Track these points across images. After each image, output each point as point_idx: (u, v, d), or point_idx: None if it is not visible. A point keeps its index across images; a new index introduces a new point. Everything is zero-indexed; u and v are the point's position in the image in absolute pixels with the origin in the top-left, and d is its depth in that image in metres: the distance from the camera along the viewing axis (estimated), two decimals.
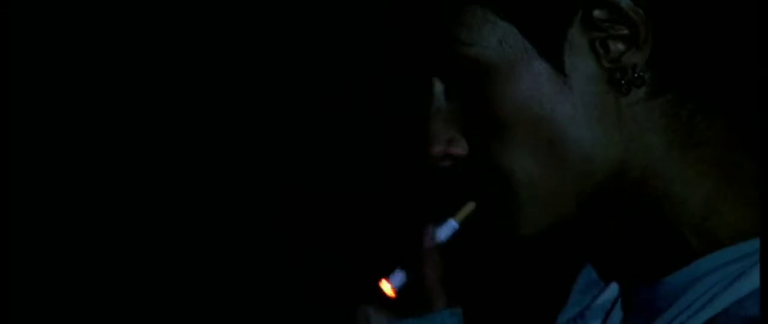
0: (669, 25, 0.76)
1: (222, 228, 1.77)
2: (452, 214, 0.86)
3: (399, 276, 0.90)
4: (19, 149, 1.74)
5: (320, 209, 1.77)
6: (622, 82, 0.76)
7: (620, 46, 0.76)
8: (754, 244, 0.75)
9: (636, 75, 0.76)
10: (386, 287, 0.88)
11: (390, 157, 1.75)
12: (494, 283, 1.64)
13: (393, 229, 1.74)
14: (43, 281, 1.74)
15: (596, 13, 0.76)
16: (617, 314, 0.86)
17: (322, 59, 1.80)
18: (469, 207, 0.85)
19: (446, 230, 0.87)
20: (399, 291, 0.89)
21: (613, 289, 0.88)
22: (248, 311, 1.76)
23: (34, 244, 1.74)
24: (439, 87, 0.82)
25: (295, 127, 1.79)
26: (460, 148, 0.81)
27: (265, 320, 1.76)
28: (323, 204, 1.77)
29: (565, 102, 0.77)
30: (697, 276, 0.76)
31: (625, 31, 0.76)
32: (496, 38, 0.77)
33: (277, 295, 1.76)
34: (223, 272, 1.76)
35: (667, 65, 0.76)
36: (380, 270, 0.92)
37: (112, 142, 1.77)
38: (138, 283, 1.75)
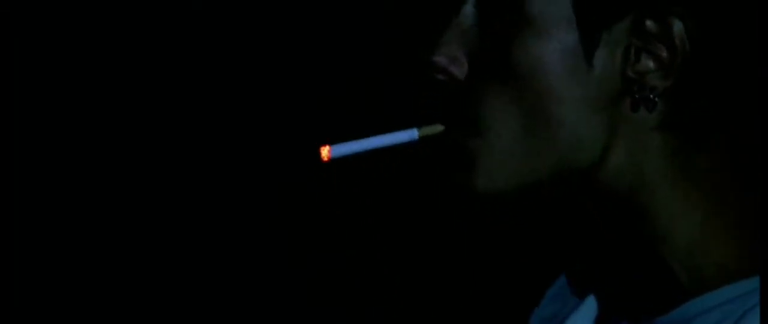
0: (703, 69, 0.75)
1: (222, 228, 1.77)
2: (419, 126, 0.83)
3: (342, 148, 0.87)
4: (19, 149, 1.74)
5: (320, 209, 1.77)
6: (636, 96, 0.75)
7: (650, 64, 0.75)
8: (741, 287, 0.75)
9: (651, 97, 0.75)
10: (325, 151, 0.86)
11: (390, 157, 1.75)
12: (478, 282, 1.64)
13: (392, 230, 1.74)
14: (43, 281, 1.74)
15: (648, 23, 0.75)
16: None
17: (322, 59, 1.80)
18: (437, 128, 0.83)
19: (406, 135, 0.84)
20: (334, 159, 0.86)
21: (587, 311, 0.86)
22: (248, 311, 1.76)
23: (34, 244, 1.74)
24: (470, 5, 0.80)
25: (295, 127, 1.79)
26: (460, 71, 0.79)
27: (264, 320, 1.76)
28: (323, 204, 1.77)
29: (578, 87, 0.76)
30: (687, 317, 0.76)
31: (663, 53, 0.75)
32: None
33: (276, 295, 1.76)
34: (223, 272, 1.76)
35: (685, 103, 0.75)
36: (380, 271, 0.92)
37: (112, 142, 1.77)
38: (138, 283, 1.75)
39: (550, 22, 0.75)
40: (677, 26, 0.74)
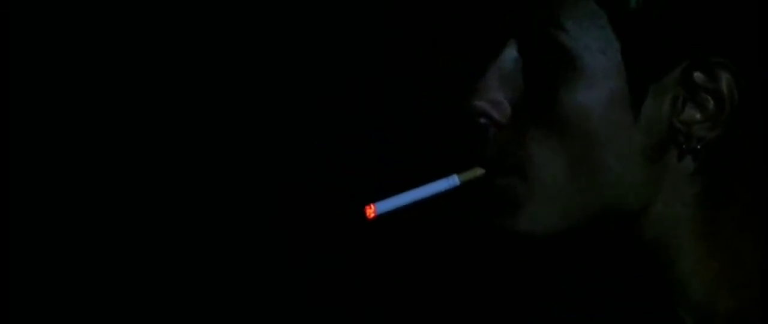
0: (747, 120, 0.76)
1: (222, 228, 1.77)
2: (459, 171, 0.84)
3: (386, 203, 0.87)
4: (19, 149, 1.74)
5: (320, 210, 1.77)
6: (683, 146, 0.76)
7: (697, 115, 0.75)
8: None
9: (697, 147, 0.75)
10: (370, 211, 0.86)
11: (388, 158, 1.75)
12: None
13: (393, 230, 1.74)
14: (43, 281, 1.74)
15: (697, 75, 0.75)
16: None
17: (323, 59, 1.80)
18: (477, 172, 0.83)
19: (447, 183, 0.85)
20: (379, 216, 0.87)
21: None
22: (247, 311, 1.76)
23: (34, 244, 1.74)
24: (511, 50, 0.80)
25: (295, 128, 1.79)
26: (502, 115, 0.80)
27: (264, 320, 1.76)
28: (323, 204, 1.77)
29: (625, 136, 0.77)
30: None
31: (710, 105, 0.75)
32: (598, 44, 0.76)
33: (276, 295, 1.76)
34: (223, 272, 1.76)
35: (722, 153, 0.76)
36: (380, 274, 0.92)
37: (112, 142, 1.77)
38: (138, 283, 1.75)
39: (600, 72, 0.76)
40: (725, 78, 0.75)
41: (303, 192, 1.78)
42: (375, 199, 0.85)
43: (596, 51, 0.76)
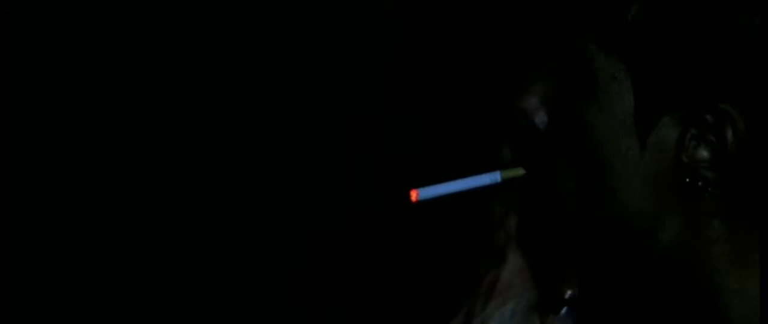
0: (754, 161, 0.76)
1: (222, 228, 1.77)
2: (502, 167, 0.86)
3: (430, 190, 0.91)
4: (19, 149, 1.74)
5: (320, 210, 1.77)
6: (687, 181, 0.77)
7: (705, 154, 0.77)
8: None
9: (700, 184, 0.76)
10: (414, 194, 0.89)
11: (389, 158, 1.75)
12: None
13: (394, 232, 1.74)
14: (43, 281, 1.74)
15: (706, 114, 0.76)
16: None
17: (323, 59, 1.80)
18: (519, 171, 0.85)
19: (489, 178, 0.87)
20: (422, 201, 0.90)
21: None
22: (247, 311, 1.76)
23: (34, 244, 1.74)
24: (552, 64, 0.82)
25: (295, 128, 1.79)
26: (541, 122, 0.82)
27: (263, 320, 1.76)
28: (323, 204, 1.77)
29: (631, 163, 0.78)
30: None
31: (717, 145, 0.76)
32: (610, 69, 0.78)
33: (276, 295, 1.76)
34: (223, 273, 1.76)
35: (737, 192, 0.77)
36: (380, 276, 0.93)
37: (112, 142, 1.77)
38: (137, 283, 1.75)
39: (614, 99, 0.77)
40: (732, 120, 0.75)
41: (302, 192, 1.78)
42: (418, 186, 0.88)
43: (609, 76, 0.78)
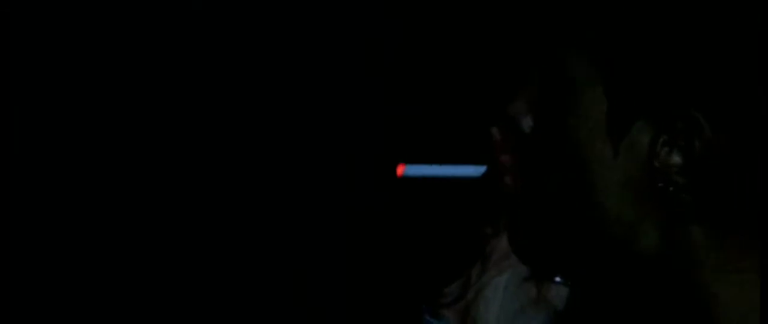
0: (726, 167, 0.77)
1: (222, 228, 1.77)
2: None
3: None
4: (19, 149, 1.74)
5: (320, 209, 1.77)
6: (659, 186, 0.77)
7: (677, 159, 0.77)
8: None
9: (671, 189, 0.77)
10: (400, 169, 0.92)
11: (387, 158, 1.75)
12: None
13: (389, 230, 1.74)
14: (43, 281, 1.74)
15: (677, 121, 0.77)
16: None
17: (323, 59, 1.80)
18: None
19: (475, 170, 0.89)
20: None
21: None
22: (246, 311, 1.76)
23: (34, 244, 1.74)
24: (538, 74, 0.83)
25: (295, 128, 1.80)
26: (527, 126, 0.83)
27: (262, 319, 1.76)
28: (323, 204, 1.77)
29: (606, 169, 0.79)
30: None
31: (688, 150, 0.77)
32: (587, 75, 0.79)
33: (274, 295, 1.76)
34: (223, 273, 1.76)
35: (715, 198, 0.77)
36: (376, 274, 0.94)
37: (112, 142, 1.77)
38: (137, 283, 1.75)
39: (590, 105, 0.78)
40: (699, 126, 0.76)
41: (301, 191, 1.78)
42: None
43: (585, 82, 0.79)
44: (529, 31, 0.83)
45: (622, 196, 0.78)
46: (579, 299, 0.92)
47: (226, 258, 1.76)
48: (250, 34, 1.79)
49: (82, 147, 1.76)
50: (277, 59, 1.80)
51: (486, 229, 0.95)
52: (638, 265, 0.79)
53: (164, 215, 1.76)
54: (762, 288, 0.75)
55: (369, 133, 1.78)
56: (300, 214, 1.77)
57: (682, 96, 0.77)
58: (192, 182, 1.77)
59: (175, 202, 1.77)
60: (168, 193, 1.77)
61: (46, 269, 1.74)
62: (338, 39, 1.80)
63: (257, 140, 1.79)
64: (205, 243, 1.76)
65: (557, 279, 0.92)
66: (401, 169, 0.90)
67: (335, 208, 1.77)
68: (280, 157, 1.78)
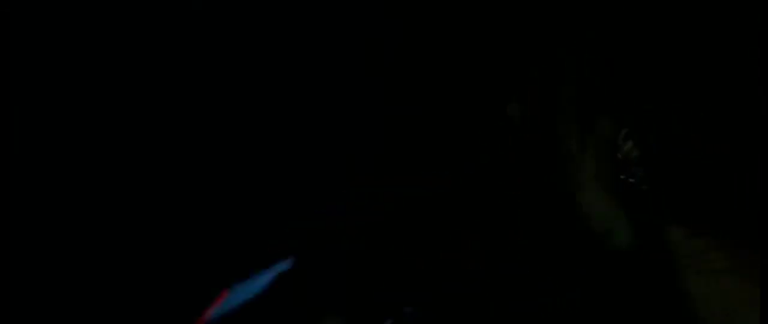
0: (680, 165, 0.79)
1: (222, 229, 1.77)
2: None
3: None
4: (19, 149, 1.74)
5: (319, 210, 1.77)
6: (624, 179, 0.79)
7: (635, 152, 0.79)
8: None
9: (632, 181, 0.79)
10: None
11: (387, 158, 1.75)
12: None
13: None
14: (43, 281, 1.74)
15: (637, 117, 0.79)
16: None
17: (323, 59, 1.80)
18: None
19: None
20: None
21: None
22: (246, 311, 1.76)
23: (33, 244, 1.74)
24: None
25: (295, 127, 1.80)
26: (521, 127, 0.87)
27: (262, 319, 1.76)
28: (321, 204, 1.78)
29: (577, 166, 0.81)
30: None
31: (643, 145, 0.79)
32: (559, 76, 0.82)
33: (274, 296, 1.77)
34: (222, 273, 1.76)
35: (679, 197, 0.78)
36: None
37: (112, 142, 1.77)
38: (137, 282, 1.75)
39: (566, 103, 0.81)
40: (654, 121, 0.78)
41: (300, 191, 1.78)
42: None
43: (565, 80, 0.81)
44: (528, 31, 0.85)
45: (594, 190, 0.80)
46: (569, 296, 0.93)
47: (224, 257, 1.76)
48: (250, 34, 1.79)
49: (82, 147, 1.76)
50: (276, 59, 1.80)
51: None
52: (615, 261, 0.80)
53: (162, 215, 1.76)
54: (762, 288, 0.75)
55: (369, 133, 1.78)
56: (300, 214, 1.77)
57: (638, 91, 0.79)
58: (192, 182, 1.78)
59: (174, 201, 1.77)
60: (167, 193, 1.77)
61: (46, 269, 1.74)
62: (338, 39, 1.80)
63: (257, 140, 1.79)
64: (204, 243, 1.77)
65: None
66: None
67: (335, 208, 1.77)
68: (280, 157, 1.79)
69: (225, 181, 1.78)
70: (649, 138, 0.78)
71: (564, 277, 0.90)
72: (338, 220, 1.75)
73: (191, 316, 1.74)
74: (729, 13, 0.78)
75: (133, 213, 1.76)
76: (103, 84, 1.77)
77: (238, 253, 1.76)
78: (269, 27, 1.80)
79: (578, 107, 0.80)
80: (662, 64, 0.80)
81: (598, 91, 0.80)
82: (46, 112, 1.76)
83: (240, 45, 1.80)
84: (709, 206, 0.78)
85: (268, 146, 1.79)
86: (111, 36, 1.77)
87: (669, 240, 0.79)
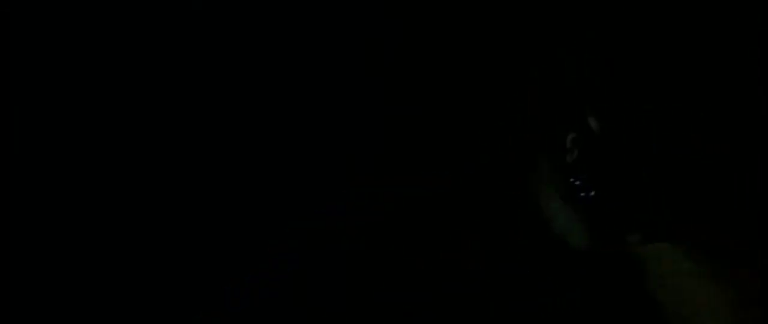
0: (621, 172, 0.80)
1: (222, 229, 1.77)
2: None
3: None
4: (19, 149, 1.74)
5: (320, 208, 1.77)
6: (571, 183, 0.81)
7: (579, 157, 0.80)
8: None
9: (577, 184, 0.80)
10: None
11: (386, 157, 1.75)
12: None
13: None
14: (43, 281, 1.74)
15: (581, 124, 0.80)
16: None
17: (323, 59, 1.80)
18: None
19: None
20: None
21: None
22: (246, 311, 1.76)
23: (33, 244, 1.74)
24: None
25: (295, 128, 1.80)
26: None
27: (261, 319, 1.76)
28: (322, 202, 1.78)
29: (539, 173, 0.82)
30: None
31: (586, 150, 0.80)
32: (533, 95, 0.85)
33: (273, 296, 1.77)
34: (223, 272, 1.76)
35: (619, 201, 0.79)
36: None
37: (112, 142, 1.77)
38: (136, 283, 1.75)
39: (533, 111, 0.83)
40: (590, 129, 0.79)
41: (301, 190, 1.78)
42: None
43: (533, 85, 0.84)
44: (528, 31, 0.86)
45: (549, 195, 0.81)
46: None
47: (224, 257, 1.76)
48: (250, 34, 1.79)
49: (82, 146, 1.76)
50: (277, 59, 1.80)
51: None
52: (580, 267, 0.81)
53: (162, 214, 1.76)
54: (762, 287, 0.75)
55: (369, 133, 1.78)
56: (300, 214, 1.77)
57: (587, 100, 0.80)
58: (191, 182, 1.77)
59: (174, 201, 1.77)
60: (167, 193, 1.77)
61: (46, 269, 1.74)
62: (338, 39, 1.80)
63: (257, 140, 1.79)
64: (204, 243, 1.77)
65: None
66: None
67: (335, 208, 1.77)
68: (280, 157, 1.79)
69: (225, 181, 1.78)
70: (649, 138, 0.78)
71: (564, 277, 0.90)
72: (338, 220, 1.75)
73: (190, 315, 1.74)
74: (729, 13, 0.78)
75: (133, 213, 1.76)
76: (103, 83, 1.77)
77: (237, 252, 1.76)
78: (269, 27, 1.80)
79: (540, 113, 0.82)
80: (662, 64, 0.80)
81: (551, 97, 0.81)
82: (46, 111, 1.76)
83: (240, 45, 1.79)
84: (704, 205, 0.78)
85: (268, 146, 1.79)
86: (111, 36, 1.77)
87: (630, 248, 0.80)
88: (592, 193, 0.80)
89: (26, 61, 1.75)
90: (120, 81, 1.77)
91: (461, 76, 1.70)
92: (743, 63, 0.79)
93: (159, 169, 1.77)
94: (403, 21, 1.78)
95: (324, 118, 1.79)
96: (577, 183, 0.80)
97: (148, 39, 1.77)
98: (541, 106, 0.82)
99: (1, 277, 1.72)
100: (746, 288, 0.78)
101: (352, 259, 1.74)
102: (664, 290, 0.79)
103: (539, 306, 1.34)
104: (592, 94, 0.80)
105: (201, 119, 1.78)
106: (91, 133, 1.76)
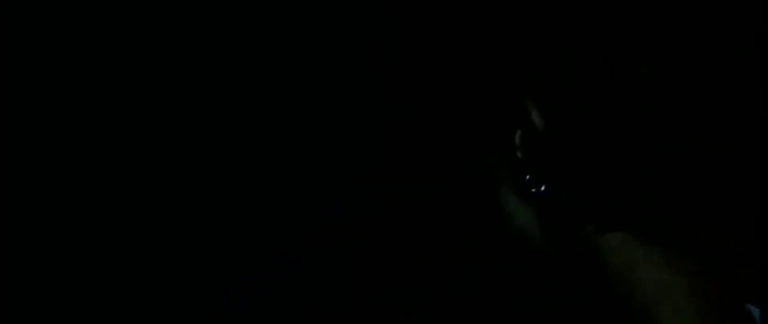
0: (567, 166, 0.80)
1: (222, 229, 1.77)
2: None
3: None
4: (19, 149, 1.74)
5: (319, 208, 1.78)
6: (522, 176, 0.81)
7: (528, 153, 0.81)
8: None
9: (528, 178, 0.81)
10: None
11: (387, 157, 1.76)
12: None
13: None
14: (42, 281, 1.74)
15: (528, 121, 0.81)
16: None
17: (323, 59, 1.80)
18: None
19: None
20: None
21: None
22: (245, 311, 1.76)
23: (33, 244, 1.74)
24: None
25: (295, 128, 1.80)
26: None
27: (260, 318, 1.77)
28: (321, 203, 1.78)
29: (504, 174, 0.83)
30: None
31: (534, 147, 0.81)
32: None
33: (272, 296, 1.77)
34: (223, 272, 1.76)
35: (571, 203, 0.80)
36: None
37: (112, 142, 1.77)
38: (136, 283, 1.75)
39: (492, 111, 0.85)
40: (534, 125, 0.80)
41: (301, 191, 1.78)
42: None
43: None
44: (528, 31, 0.86)
45: (507, 192, 0.81)
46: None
47: (224, 257, 1.76)
48: (250, 34, 1.79)
49: (82, 146, 1.76)
50: (276, 59, 1.80)
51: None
52: (546, 263, 0.81)
53: (162, 214, 1.76)
54: (762, 288, 0.75)
55: (369, 133, 1.78)
56: (300, 214, 1.77)
57: (534, 99, 0.81)
58: (191, 182, 1.78)
59: (174, 201, 1.77)
60: (167, 193, 1.77)
61: (45, 269, 1.74)
62: (338, 39, 1.80)
63: (257, 140, 1.79)
64: (204, 243, 1.77)
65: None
66: None
67: (335, 208, 1.77)
68: (280, 157, 1.79)
69: (225, 181, 1.78)
70: (649, 138, 0.78)
71: (564, 277, 0.90)
72: (338, 220, 1.75)
73: (190, 315, 1.74)
74: (729, 13, 0.78)
75: (133, 213, 1.76)
76: (102, 83, 1.77)
77: (237, 252, 1.76)
78: (269, 27, 1.80)
79: (503, 109, 0.82)
80: (662, 64, 0.80)
81: (506, 94, 0.82)
82: (45, 111, 1.76)
83: (240, 45, 1.80)
84: (703, 205, 0.78)
85: (268, 146, 1.79)
86: (111, 36, 1.77)
87: (588, 243, 0.80)
88: (543, 188, 0.80)
89: (26, 61, 1.75)
90: (119, 81, 1.77)
91: (461, 76, 1.71)
92: (743, 63, 0.79)
93: (159, 169, 1.77)
94: (403, 21, 1.78)
95: (324, 118, 1.79)
96: (528, 178, 0.80)
97: (147, 39, 1.77)
98: (490, 104, 0.83)
99: (1, 277, 1.72)
100: (698, 274, 0.78)
101: (352, 259, 1.74)
102: (618, 281, 0.79)
103: (539, 306, 1.34)
104: (531, 88, 0.81)
105: (201, 119, 1.78)
106: (91, 133, 1.76)
